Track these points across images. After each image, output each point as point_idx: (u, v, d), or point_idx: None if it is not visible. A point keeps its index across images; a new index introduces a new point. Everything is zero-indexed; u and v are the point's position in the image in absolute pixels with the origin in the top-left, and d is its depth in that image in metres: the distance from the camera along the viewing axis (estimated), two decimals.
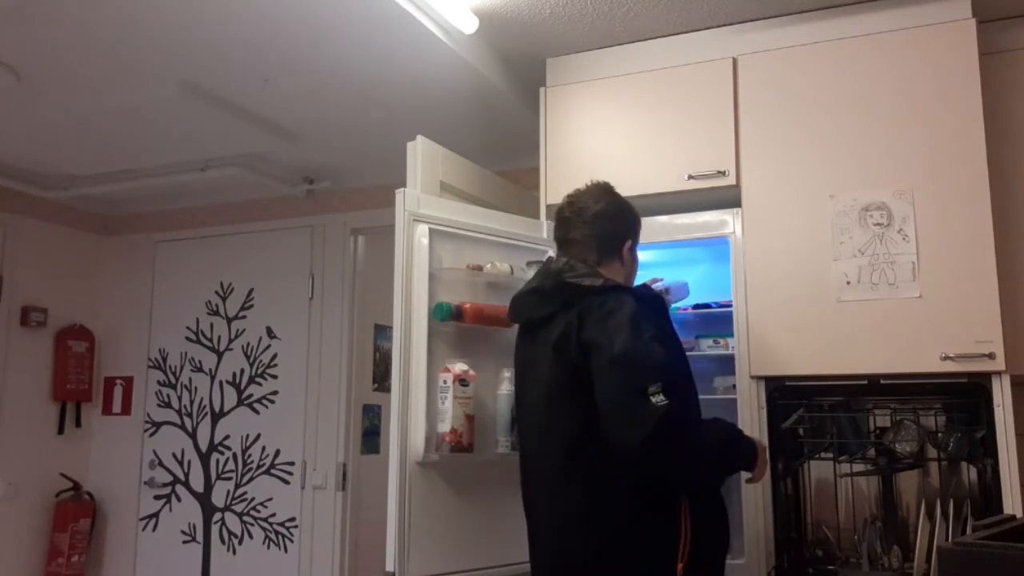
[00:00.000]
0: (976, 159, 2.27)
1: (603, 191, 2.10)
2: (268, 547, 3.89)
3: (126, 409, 4.33)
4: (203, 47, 2.64)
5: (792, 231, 2.42)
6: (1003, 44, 2.49)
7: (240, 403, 4.06)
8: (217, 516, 4.02)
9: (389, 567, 2.13)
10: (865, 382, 2.33)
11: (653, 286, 2.33)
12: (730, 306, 2.48)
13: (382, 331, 4.30)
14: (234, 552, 3.95)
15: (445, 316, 2.27)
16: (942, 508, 2.17)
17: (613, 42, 2.80)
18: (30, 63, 2.73)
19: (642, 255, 2.19)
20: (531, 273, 2.20)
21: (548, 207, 2.68)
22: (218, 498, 4.03)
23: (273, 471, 3.93)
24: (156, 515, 4.15)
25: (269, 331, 4.06)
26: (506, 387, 2.31)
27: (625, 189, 2.16)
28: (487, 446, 2.32)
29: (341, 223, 4.01)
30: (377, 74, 2.84)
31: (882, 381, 2.31)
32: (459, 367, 2.25)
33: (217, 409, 4.10)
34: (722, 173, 2.52)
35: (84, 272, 4.42)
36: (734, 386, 2.46)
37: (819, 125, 2.45)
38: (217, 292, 4.21)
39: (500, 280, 2.43)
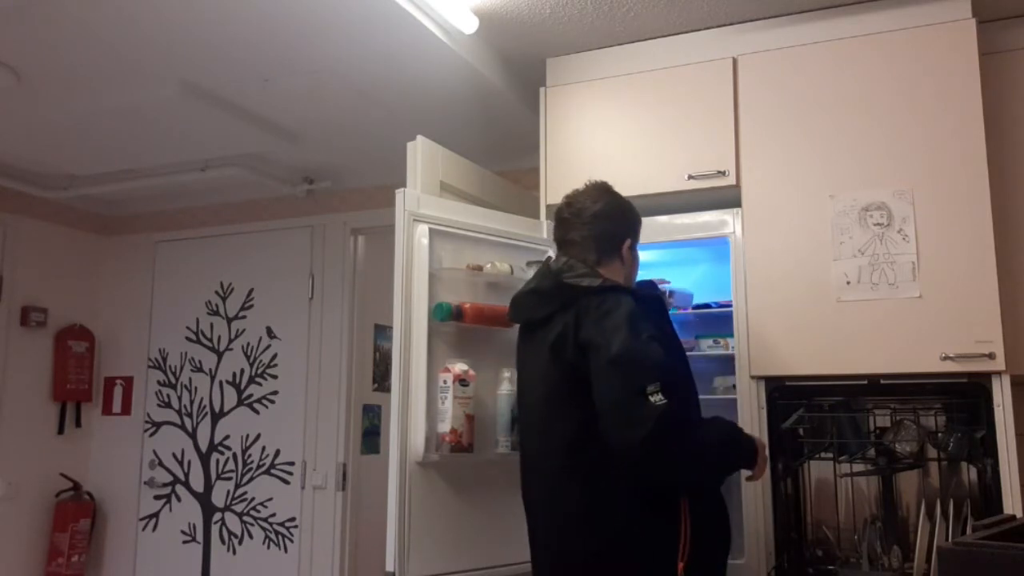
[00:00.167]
0: (976, 159, 2.27)
1: (601, 191, 2.10)
2: (268, 547, 3.89)
3: (126, 409, 4.33)
4: (203, 47, 2.64)
5: (792, 231, 2.42)
6: (1003, 44, 2.49)
7: (240, 403, 4.06)
8: (217, 516, 4.02)
9: (389, 567, 2.13)
10: (865, 382, 2.33)
11: (661, 287, 2.32)
12: (730, 306, 2.48)
13: (382, 331, 4.30)
14: (234, 552, 3.96)
15: (445, 316, 2.27)
16: (942, 508, 2.17)
17: (613, 42, 2.80)
18: (30, 63, 2.73)
19: (642, 255, 2.18)
20: (531, 273, 2.20)
21: (548, 207, 2.68)
22: (218, 498, 4.03)
23: (273, 471, 3.94)
24: (156, 515, 4.15)
25: (269, 331, 4.06)
26: (506, 387, 2.31)
27: (625, 189, 2.16)
28: (487, 446, 2.32)
29: (341, 223, 4.01)
30: (377, 74, 2.84)
31: (882, 381, 2.31)
32: (459, 367, 2.25)
33: (217, 409, 4.10)
34: (722, 173, 2.52)
35: (84, 272, 4.42)
36: (734, 386, 2.46)
37: (819, 125, 2.44)
38: (217, 292, 4.21)
39: (500, 280, 2.43)
